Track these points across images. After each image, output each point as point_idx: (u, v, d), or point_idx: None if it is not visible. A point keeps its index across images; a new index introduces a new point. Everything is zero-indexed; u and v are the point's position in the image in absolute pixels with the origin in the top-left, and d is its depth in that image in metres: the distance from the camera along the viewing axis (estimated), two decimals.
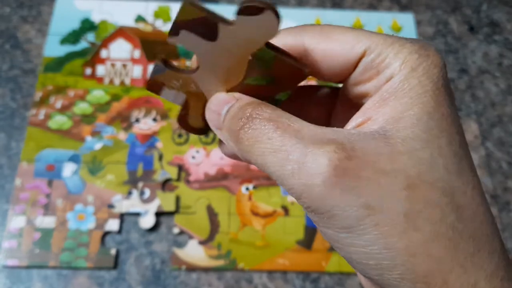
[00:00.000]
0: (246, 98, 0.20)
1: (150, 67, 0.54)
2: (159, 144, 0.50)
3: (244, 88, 0.20)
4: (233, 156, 0.21)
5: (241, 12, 0.18)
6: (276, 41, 0.19)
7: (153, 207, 0.47)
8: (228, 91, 0.21)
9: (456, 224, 0.16)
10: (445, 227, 0.15)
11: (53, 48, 0.55)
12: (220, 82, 0.20)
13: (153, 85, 0.21)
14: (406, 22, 0.59)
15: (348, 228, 0.16)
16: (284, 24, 0.65)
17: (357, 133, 0.17)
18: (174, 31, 0.19)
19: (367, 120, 0.17)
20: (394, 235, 0.15)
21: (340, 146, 0.16)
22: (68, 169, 0.48)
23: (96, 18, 0.57)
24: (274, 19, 0.18)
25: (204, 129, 0.23)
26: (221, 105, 0.20)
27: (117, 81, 0.54)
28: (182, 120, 0.22)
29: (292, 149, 0.16)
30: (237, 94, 0.20)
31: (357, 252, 0.16)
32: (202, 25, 0.18)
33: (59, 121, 0.51)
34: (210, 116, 0.20)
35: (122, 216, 0.47)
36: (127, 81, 0.54)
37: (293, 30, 0.20)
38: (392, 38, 0.18)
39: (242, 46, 0.19)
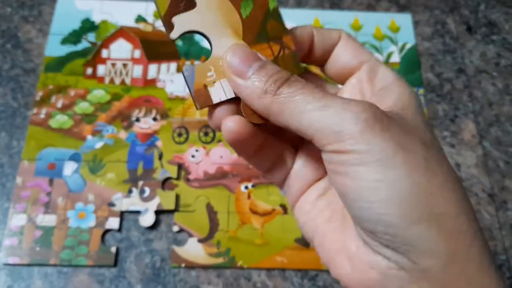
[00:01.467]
0: (270, 63, 0.21)
1: (150, 67, 0.55)
2: (159, 143, 0.50)
3: (249, 25, 0.21)
4: (218, 127, 0.22)
5: None
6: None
7: (153, 205, 0.47)
8: (244, 39, 0.21)
9: (457, 181, 0.19)
10: (451, 181, 0.19)
11: (54, 48, 0.55)
12: (232, 36, 0.21)
13: (200, 93, 0.21)
14: (404, 22, 0.60)
15: (381, 161, 0.18)
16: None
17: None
18: (169, 25, 0.20)
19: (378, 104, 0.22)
20: (420, 173, 0.18)
21: (373, 105, 0.19)
22: (69, 167, 0.49)
23: (96, 18, 0.58)
24: None
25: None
26: (250, 59, 0.21)
27: (117, 81, 0.54)
28: (246, 110, 0.21)
29: (334, 98, 0.19)
30: (263, 57, 0.22)
31: (387, 188, 0.18)
32: (179, 1, 0.20)
33: (60, 120, 0.51)
34: (235, 62, 0.21)
35: (122, 214, 0.47)
36: (128, 81, 0.54)
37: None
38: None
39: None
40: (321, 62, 0.24)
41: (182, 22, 0.20)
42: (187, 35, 0.21)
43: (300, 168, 0.24)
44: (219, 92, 0.21)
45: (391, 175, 0.18)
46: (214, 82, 0.21)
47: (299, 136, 0.21)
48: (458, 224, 0.18)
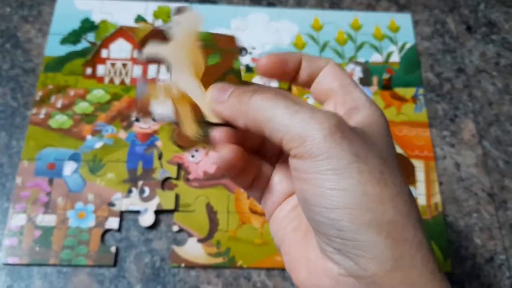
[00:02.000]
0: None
1: (150, 67, 0.55)
2: (158, 143, 0.50)
3: (210, 72, 0.24)
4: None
5: (176, 13, 0.24)
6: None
7: (152, 205, 0.47)
8: (202, 80, 0.24)
9: (408, 192, 0.21)
10: (404, 192, 0.20)
11: (53, 48, 0.55)
12: (192, 75, 0.24)
13: (142, 105, 0.24)
14: (404, 22, 0.60)
15: (337, 170, 0.19)
16: (283, 24, 0.65)
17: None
18: (141, 49, 0.24)
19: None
20: (372, 184, 0.19)
21: (339, 116, 0.21)
22: (69, 167, 0.49)
23: (96, 18, 0.58)
24: (196, 12, 0.24)
25: (201, 132, 0.24)
26: (225, 88, 0.24)
27: (117, 81, 0.54)
28: (177, 133, 0.24)
29: (303, 106, 0.21)
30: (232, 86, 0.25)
31: (340, 196, 0.19)
32: (156, 34, 0.23)
33: (60, 120, 0.51)
34: (215, 93, 0.24)
35: (122, 214, 0.47)
36: (127, 81, 0.54)
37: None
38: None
39: (188, 37, 0.24)
40: (308, 85, 0.27)
41: (152, 50, 0.24)
42: (154, 60, 0.24)
43: (276, 182, 0.26)
44: (160, 110, 0.24)
45: (345, 183, 0.19)
46: (159, 103, 0.24)
47: (276, 153, 0.26)
48: (404, 233, 0.19)
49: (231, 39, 0.25)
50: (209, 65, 0.24)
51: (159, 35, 0.24)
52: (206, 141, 0.24)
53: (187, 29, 0.24)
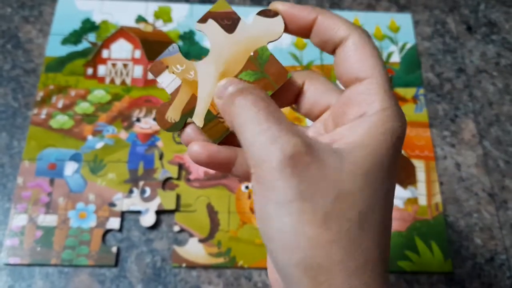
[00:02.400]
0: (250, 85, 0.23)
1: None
2: (159, 143, 0.51)
3: None
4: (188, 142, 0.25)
5: (260, 13, 0.23)
6: (291, 11, 0.23)
7: (153, 205, 0.47)
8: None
9: (358, 239, 0.19)
10: (348, 238, 0.19)
11: (54, 48, 0.55)
12: (217, 73, 0.23)
13: (158, 65, 0.24)
14: (404, 22, 0.60)
15: (280, 204, 0.19)
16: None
17: (323, 142, 0.21)
18: (204, 18, 0.24)
19: (336, 140, 0.21)
20: (310, 226, 0.19)
21: (306, 143, 0.20)
22: (70, 168, 0.49)
23: (97, 18, 0.58)
24: (281, 24, 0.23)
25: (175, 125, 0.24)
26: (231, 81, 0.23)
27: (118, 81, 0.54)
28: (162, 109, 0.24)
29: (273, 126, 0.20)
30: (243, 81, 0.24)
31: (277, 228, 0.19)
32: (227, 17, 0.23)
33: (61, 120, 0.51)
34: (220, 87, 0.23)
35: (123, 214, 0.47)
36: (128, 81, 0.54)
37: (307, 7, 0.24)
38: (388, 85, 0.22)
39: (250, 42, 0.23)
40: (324, 50, 0.25)
41: (210, 28, 0.23)
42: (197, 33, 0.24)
43: None
44: (166, 80, 0.24)
45: (284, 219, 0.19)
46: (172, 73, 0.24)
47: None
48: (332, 279, 0.19)
49: (282, 73, 0.23)
50: (240, 77, 0.24)
51: (230, 18, 0.23)
52: (175, 131, 0.25)
53: (256, 33, 0.23)
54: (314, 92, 0.24)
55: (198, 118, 0.24)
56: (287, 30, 0.24)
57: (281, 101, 0.25)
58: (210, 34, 0.23)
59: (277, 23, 0.23)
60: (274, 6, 0.23)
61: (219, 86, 0.23)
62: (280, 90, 0.24)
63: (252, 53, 0.23)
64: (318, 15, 0.23)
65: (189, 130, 0.24)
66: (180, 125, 0.24)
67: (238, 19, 0.23)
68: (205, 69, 0.24)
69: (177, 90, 0.24)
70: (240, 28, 0.23)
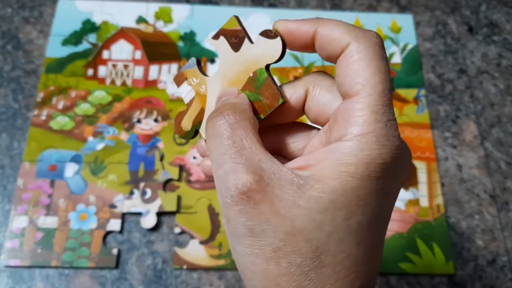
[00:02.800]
0: (241, 99, 0.23)
1: (151, 68, 0.55)
2: (160, 145, 0.50)
3: None
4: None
5: (262, 33, 0.23)
6: (291, 26, 0.23)
7: (154, 207, 0.47)
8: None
9: (311, 274, 0.19)
10: (300, 272, 0.19)
11: (55, 49, 0.55)
12: (225, 85, 0.24)
13: (180, 76, 0.26)
14: (405, 23, 0.60)
15: (234, 235, 0.20)
16: None
17: (285, 173, 0.20)
18: (217, 35, 0.24)
19: (306, 166, 0.20)
20: (261, 259, 0.19)
21: (260, 179, 0.19)
22: (70, 169, 0.49)
23: (97, 19, 0.58)
24: (279, 46, 0.22)
25: (187, 133, 0.26)
26: (227, 93, 0.24)
27: (118, 82, 0.54)
28: (179, 117, 0.26)
29: (230, 159, 0.20)
30: (242, 95, 0.24)
31: (237, 255, 0.20)
32: (235, 35, 0.24)
33: (61, 121, 0.51)
34: (219, 95, 0.24)
35: (123, 216, 0.47)
36: (129, 82, 0.54)
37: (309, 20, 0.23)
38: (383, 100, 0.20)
39: (251, 62, 0.23)
40: (330, 61, 0.24)
41: (221, 45, 0.24)
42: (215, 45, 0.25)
43: None
44: (184, 91, 0.26)
45: (238, 249, 0.20)
46: (189, 84, 0.25)
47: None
48: None
49: (275, 97, 0.23)
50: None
51: (237, 36, 0.24)
52: (188, 138, 0.26)
53: (256, 54, 0.23)
54: (318, 101, 0.23)
55: (204, 130, 0.25)
56: (291, 48, 0.23)
57: (289, 115, 0.24)
58: (220, 51, 0.24)
59: (276, 45, 0.22)
60: (274, 26, 0.23)
61: (223, 90, 0.24)
62: (285, 105, 0.23)
63: (251, 74, 0.23)
64: (318, 28, 0.21)
65: (203, 143, 0.25)
66: (191, 134, 0.26)
67: (243, 37, 0.23)
68: (213, 85, 0.25)
69: (191, 101, 0.25)
70: (244, 47, 0.23)
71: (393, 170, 0.20)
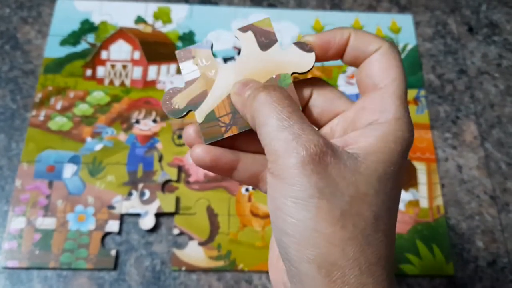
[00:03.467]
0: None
1: (150, 68, 0.55)
2: (159, 145, 0.50)
3: None
4: (203, 162, 0.25)
5: (297, 43, 0.24)
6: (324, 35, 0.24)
7: (153, 208, 0.47)
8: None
9: (370, 239, 0.20)
10: (362, 237, 0.20)
11: (53, 49, 0.55)
12: (235, 80, 0.24)
13: (188, 53, 0.25)
14: (405, 23, 0.60)
15: (297, 199, 0.19)
16: (284, 25, 0.65)
17: (340, 147, 0.21)
18: (245, 28, 0.24)
19: (350, 144, 0.22)
20: (327, 223, 0.19)
21: (326, 144, 0.20)
22: (68, 170, 0.48)
23: (96, 19, 0.57)
24: (312, 61, 0.24)
25: (177, 111, 0.25)
26: (250, 80, 0.24)
27: (117, 82, 0.54)
28: (170, 93, 0.25)
29: (296, 124, 0.20)
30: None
31: (292, 224, 0.20)
32: (266, 35, 0.24)
33: (59, 122, 0.51)
34: (240, 85, 0.24)
35: (122, 217, 0.47)
36: (127, 82, 0.54)
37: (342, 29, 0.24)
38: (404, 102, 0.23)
39: (277, 65, 0.24)
40: (354, 66, 0.25)
41: (247, 38, 0.24)
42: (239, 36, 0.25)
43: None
44: (188, 68, 0.25)
45: (300, 215, 0.19)
46: (196, 64, 0.25)
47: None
48: (346, 276, 0.19)
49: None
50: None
51: (269, 37, 0.24)
52: (175, 117, 0.25)
53: (286, 60, 0.24)
54: (322, 101, 0.25)
55: (201, 113, 0.24)
56: (323, 58, 0.24)
57: None
58: (244, 44, 0.24)
59: (309, 59, 0.24)
60: (306, 39, 0.24)
61: (238, 83, 0.24)
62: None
63: (274, 76, 0.24)
64: (351, 34, 0.24)
65: (190, 131, 0.25)
66: (181, 113, 0.25)
67: (275, 40, 0.24)
68: (226, 73, 0.25)
69: (192, 81, 0.25)
70: (273, 49, 0.24)
71: (408, 154, 0.23)
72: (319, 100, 0.25)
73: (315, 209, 0.19)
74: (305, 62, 0.24)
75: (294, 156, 0.20)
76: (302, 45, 0.24)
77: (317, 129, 0.25)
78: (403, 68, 0.23)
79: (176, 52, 0.25)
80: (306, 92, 0.25)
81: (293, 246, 0.20)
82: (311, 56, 0.24)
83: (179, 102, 0.25)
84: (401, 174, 0.22)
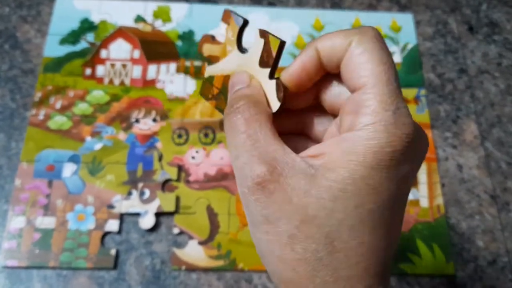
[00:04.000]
0: (254, 89, 0.24)
1: (150, 68, 0.54)
2: (158, 145, 0.50)
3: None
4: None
5: (277, 80, 0.23)
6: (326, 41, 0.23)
7: (153, 207, 0.47)
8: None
9: (325, 259, 0.20)
10: (314, 258, 0.20)
11: (52, 48, 0.55)
12: (233, 70, 0.25)
13: (228, 16, 0.25)
14: (406, 22, 0.59)
15: (253, 224, 0.21)
16: (284, 24, 0.64)
17: (298, 163, 0.20)
18: (263, 35, 0.23)
19: (319, 155, 0.21)
20: (276, 246, 0.20)
21: (273, 170, 0.20)
22: (68, 169, 0.48)
23: (95, 18, 0.57)
24: (278, 106, 0.23)
25: (210, 94, 0.27)
26: (239, 80, 0.24)
27: (116, 81, 0.53)
28: (205, 40, 0.27)
29: (246, 152, 0.21)
30: (254, 81, 0.24)
31: (256, 243, 0.22)
32: (268, 55, 0.23)
33: (59, 121, 0.51)
34: (232, 80, 0.25)
35: (122, 217, 0.47)
36: (127, 81, 0.54)
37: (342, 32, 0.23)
38: (392, 99, 0.20)
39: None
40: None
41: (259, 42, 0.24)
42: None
43: None
44: (223, 29, 0.26)
45: (258, 237, 0.21)
46: (226, 34, 0.26)
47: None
48: None
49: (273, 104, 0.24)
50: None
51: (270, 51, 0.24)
52: (208, 99, 0.27)
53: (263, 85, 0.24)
54: (331, 92, 0.24)
55: (208, 71, 0.27)
56: (308, 85, 0.24)
57: (301, 102, 0.25)
58: (254, 46, 0.24)
59: (276, 104, 0.23)
60: (282, 79, 0.24)
61: (236, 75, 0.24)
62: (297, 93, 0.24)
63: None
64: (317, 44, 0.22)
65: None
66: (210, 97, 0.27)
67: (269, 67, 0.23)
68: (235, 57, 0.25)
69: (218, 64, 0.26)
70: (263, 71, 0.24)
71: (406, 157, 0.20)
72: (328, 93, 0.24)
73: (265, 234, 0.21)
74: (275, 101, 0.23)
75: (244, 186, 0.21)
76: (278, 86, 0.23)
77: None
78: (383, 59, 0.20)
79: (226, 10, 0.25)
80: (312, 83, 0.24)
81: (263, 261, 0.22)
82: (279, 101, 0.23)
83: (209, 48, 0.27)
84: (384, 184, 0.19)
